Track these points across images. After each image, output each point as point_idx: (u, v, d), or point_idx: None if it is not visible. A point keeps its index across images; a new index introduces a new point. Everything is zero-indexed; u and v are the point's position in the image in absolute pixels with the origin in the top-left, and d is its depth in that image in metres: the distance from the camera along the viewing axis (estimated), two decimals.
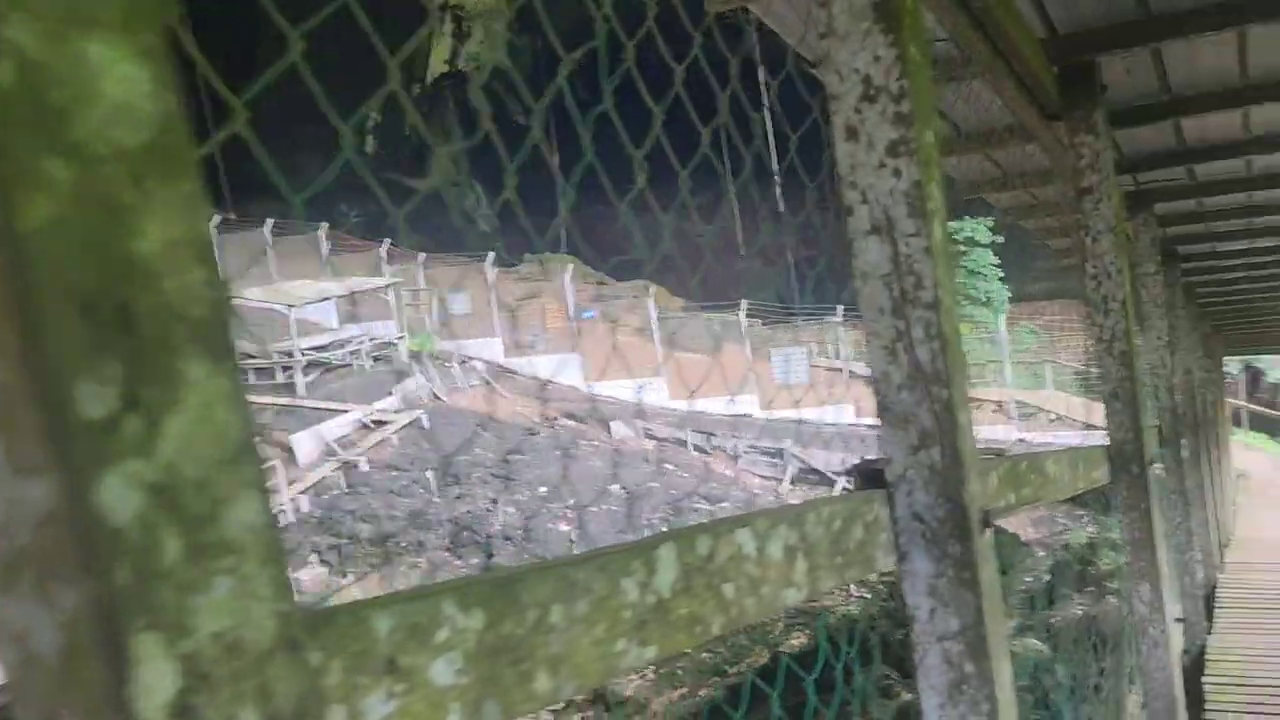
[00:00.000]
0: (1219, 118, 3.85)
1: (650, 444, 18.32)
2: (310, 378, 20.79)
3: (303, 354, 21.40)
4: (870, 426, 18.65)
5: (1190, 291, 7.84)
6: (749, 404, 19.50)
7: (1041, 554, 12.12)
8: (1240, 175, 4.74)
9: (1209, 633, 5.22)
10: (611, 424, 18.84)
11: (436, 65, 32.53)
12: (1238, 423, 26.22)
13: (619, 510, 15.15)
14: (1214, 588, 6.37)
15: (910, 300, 1.39)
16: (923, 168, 1.37)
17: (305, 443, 17.76)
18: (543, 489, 16.48)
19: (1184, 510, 5.06)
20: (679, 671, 8.30)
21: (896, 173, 1.38)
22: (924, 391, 1.40)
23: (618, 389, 20.60)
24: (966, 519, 1.40)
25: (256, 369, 21.09)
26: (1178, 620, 5.13)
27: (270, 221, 25.14)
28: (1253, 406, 27.39)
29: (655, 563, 0.94)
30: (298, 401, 19.81)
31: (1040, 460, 2.30)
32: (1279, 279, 8.17)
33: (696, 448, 18.19)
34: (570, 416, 19.23)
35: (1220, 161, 4.40)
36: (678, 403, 20.05)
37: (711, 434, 18.62)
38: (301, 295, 22.47)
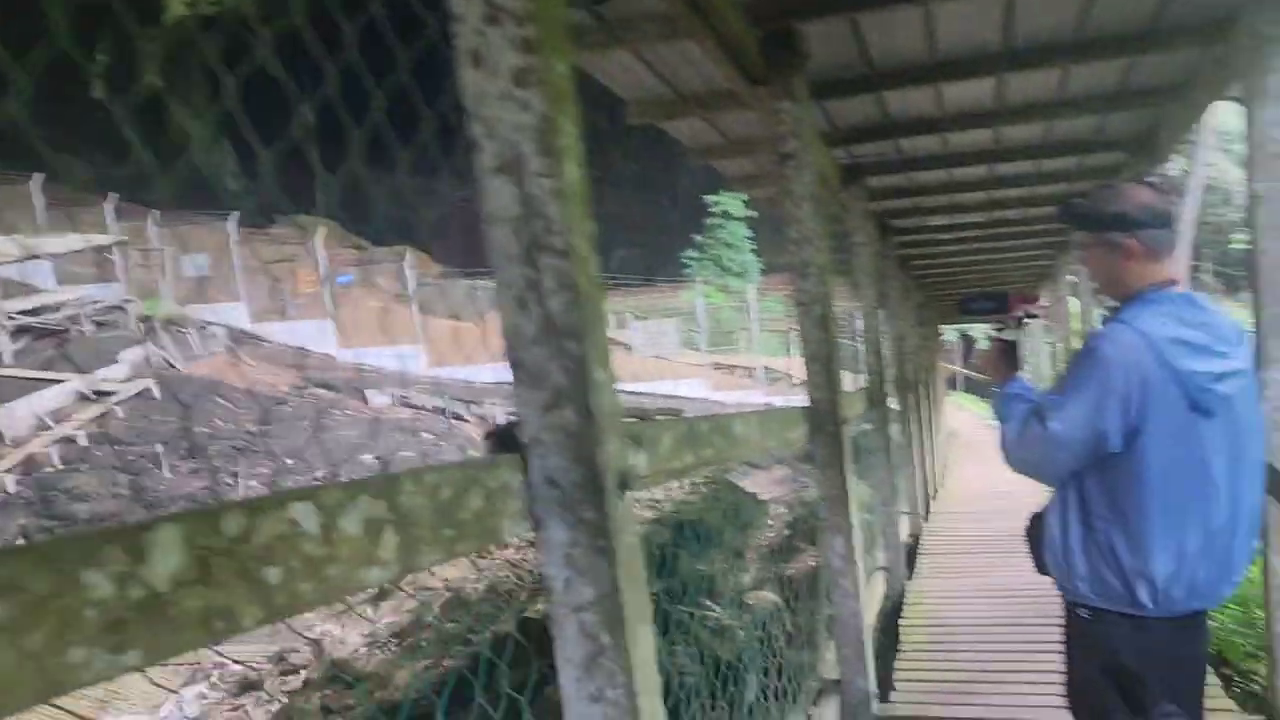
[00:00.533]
0: (917, 94, 4.05)
1: (407, 413, 17.77)
2: (20, 344, 18.58)
3: (10, 318, 19.09)
4: (632, 392, 19.02)
5: (905, 263, 8.42)
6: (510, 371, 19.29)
7: (783, 510, 12.80)
8: (939, 152, 5.05)
9: (908, 579, 5.64)
10: (367, 393, 18.11)
11: (175, 6, 29.74)
12: (954, 386, 29.02)
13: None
14: (918, 537, 6.91)
15: (541, 247, 1.27)
16: (553, 101, 1.25)
17: (13, 416, 15.89)
18: (290, 461, 15.59)
19: (889, 467, 5.41)
20: (423, 643, 8.09)
21: (525, 105, 1.25)
22: (556, 346, 1.30)
23: (375, 356, 19.86)
24: (601, 483, 1.30)
25: None
26: (881, 569, 5.51)
27: None
28: (966, 371, 30.40)
29: (145, 549, 0.76)
30: (3, 371, 17.67)
31: (725, 421, 2.28)
32: (982, 253, 8.96)
33: (455, 416, 17.82)
34: (323, 385, 18.31)
35: (921, 137, 4.65)
36: (437, 370, 19.59)
37: (472, 402, 18.32)
38: (7, 252, 19.98)
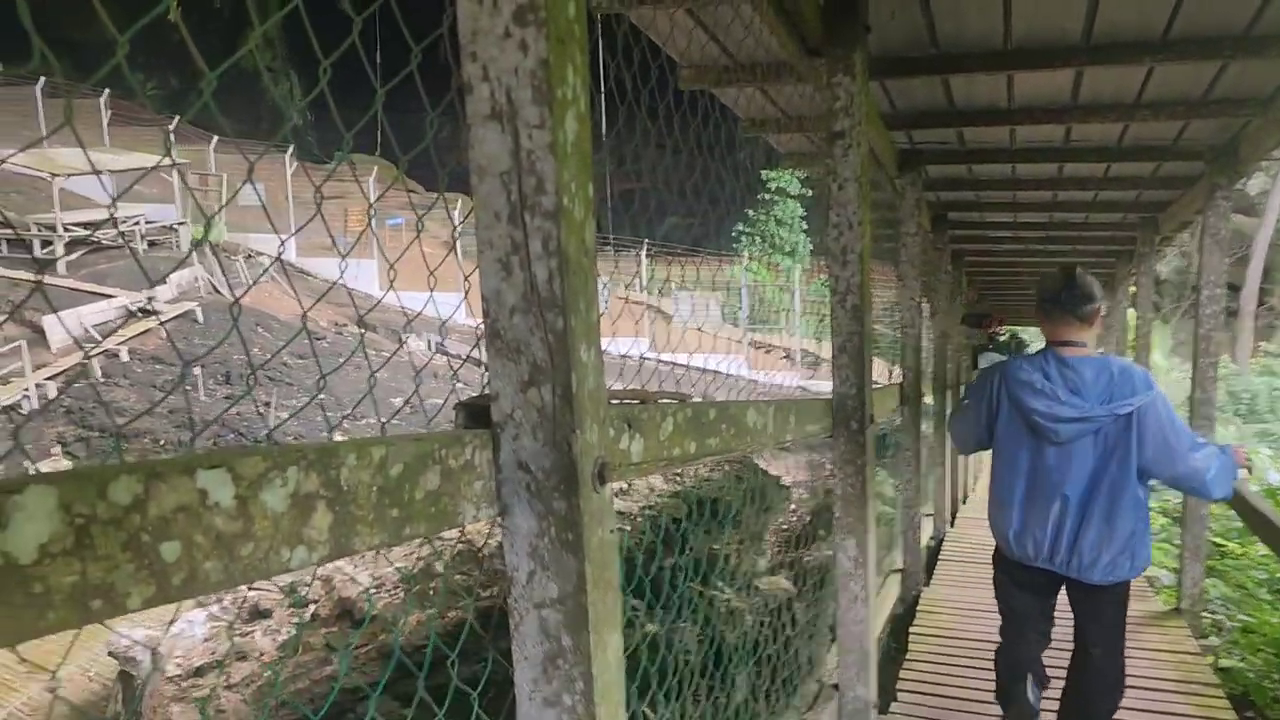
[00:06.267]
0: (986, 81, 3.83)
1: (443, 359, 17.82)
2: (74, 256, 18.91)
3: (66, 229, 19.43)
4: (667, 362, 18.86)
5: (957, 258, 8.14)
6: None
7: (806, 496, 12.64)
8: (1005, 145, 4.81)
9: (925, 585, 5.46)
10: (405, 336, 18.19)
11: None
12: None
13: (401, 424, 14.65)
14: (940, 541, 6.72)
15: (530, 206, 1.14)
16: (556, 45, 1.11)
17: (60, 325, 16.20)
18: (323, 396, 15.72)
19: (917, 467, 5.23)
20: (430, 592, 8.11)
21: (523, 46, 1.11)
22: (539, 318, 1.17)
23: (416, 301, 19.88)
24: (575, 472, 1.18)
25: (9, 239, 19.04)
26: (897, 571, 5.35)
27: (43, 80, 22.75)
28: None
29: (5, 513, 0.66)
30: (57, 280, 17.99)
31: (736, 409, 2.15)
32: (1039, 255, 8.64)
33: None
34: (361, 324, 18.41)
35: (988, 128, 4.42)
36: (477, 320, 19.58)
37: None
38: (70, 165, 20.27)
